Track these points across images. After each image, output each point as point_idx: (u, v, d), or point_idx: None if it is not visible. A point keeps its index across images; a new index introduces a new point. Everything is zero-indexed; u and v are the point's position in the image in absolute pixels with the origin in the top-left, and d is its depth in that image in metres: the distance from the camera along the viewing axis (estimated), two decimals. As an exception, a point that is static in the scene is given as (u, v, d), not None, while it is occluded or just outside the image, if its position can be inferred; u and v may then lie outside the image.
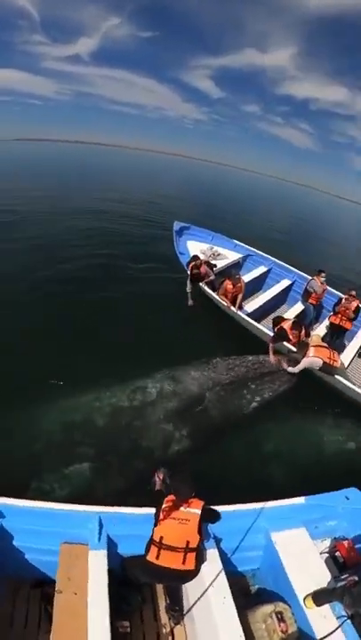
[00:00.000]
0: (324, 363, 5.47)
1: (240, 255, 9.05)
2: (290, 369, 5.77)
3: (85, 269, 9.09)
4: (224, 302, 6.90)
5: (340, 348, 6.61)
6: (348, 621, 2.43)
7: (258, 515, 3.02)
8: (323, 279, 7.08)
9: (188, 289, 7.36)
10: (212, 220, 16.08)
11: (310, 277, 7.41)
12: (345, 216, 53.40)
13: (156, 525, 2.59)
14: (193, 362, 5.94)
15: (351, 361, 6.40)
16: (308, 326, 7.29)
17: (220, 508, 2.91)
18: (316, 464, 4.76)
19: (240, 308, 6.98)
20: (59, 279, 8.36)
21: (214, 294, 7.10)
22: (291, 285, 8.43)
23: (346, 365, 6.08)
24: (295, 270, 8.60)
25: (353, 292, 6.49)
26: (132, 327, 6.91)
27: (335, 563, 3.06)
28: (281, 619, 2.52)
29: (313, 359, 5.50)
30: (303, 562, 2.89)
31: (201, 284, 7.33)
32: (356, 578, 2.60)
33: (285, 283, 8.31)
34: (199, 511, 2.60)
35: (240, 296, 6.96)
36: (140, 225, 14.48)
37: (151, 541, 2.59)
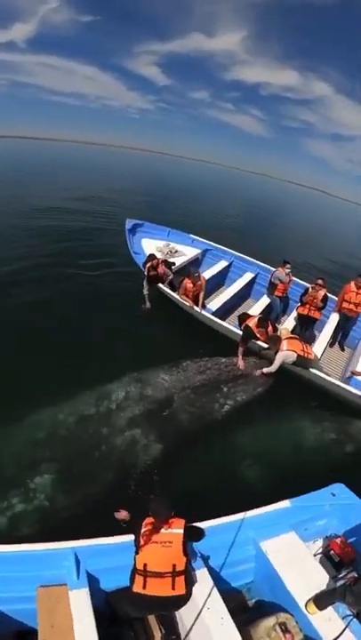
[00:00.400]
0: (299, 356, 5.62)
1: (199, 250, 9.14)
2: (265, 370, 5.88)
3: (35, 270, 8.85)
4: (186, 302, 6.93)
5: (310, 340, 6.85)
6: (355, 620, 2.51)
7: (244, 525, 3.06)
8: (288, 270, 7.30)
9: (146, 291, 7.33)
10: (166, 215, 16.17)
11: (274, 269, 7.62)
12: (301, 202, 55.57)
13: (137, 553, 2.56)
14: (161, 365, 5.96)
15: (323, 351, 6.66)
16: (276, 320, 7.50)
17: (202, 524, 2.94)
18: (298, 463, 4.87)
19: (203, 306, 7.05)
20: (3, 282, 8.09)
21: (175, 294, 7.12)
22: (254, 278, 8.63)
23: (319, 357, 6.31)
24: (257, 262, 8.81)
25: (320, 281, 6.73)
26: (92, 331, 6.81)
27: (331, 562, 3.16)
28: (285, 629, 2.55)
29: (287, 353, 5.62)
30: (298, 567, 2.95)
31: (160, 285, 7.32)
32: (356, 574, 2.70)
33: (248, 276, 8.49)
34: (182, 531, 2.60)
35: (202, 294, 7.02)
36: (88, 222, 14.22)
37: (135, 571, 2.55)
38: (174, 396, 5.47)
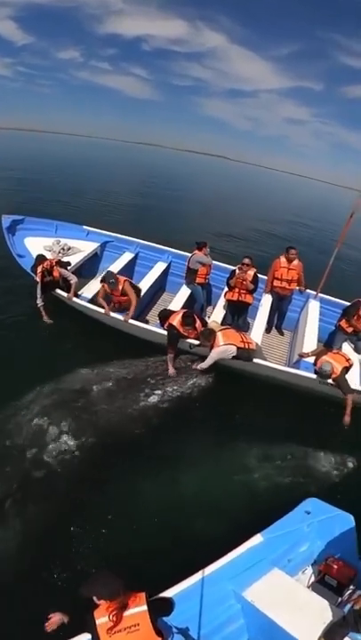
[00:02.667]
0: (239, 348, 5.64)
1: (96, 244, 8.85)
2: (199, 366, 5.89)
3: None
4: (101, 309, 6.61)
5: (245, 328, 6.94)
6: None
7: (218, 578, 2.96)
8: (208, 250, 7.25)
9: (41, 302, 6.81)
10: (48, 206, 15.66)
11: (189, 254, 7.53)
12: (203, 174, 57.26)
13: None
14: (79, 369, 5.95)
15: (261, 339, 6.76)
16: (201, 311, 7.50)
17: (168, 593, 2.77)
18: (259, 483, 4.80)
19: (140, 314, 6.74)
20: None
21: (82, 302, 6.80)
22: (167, 268, 8.59)
23: (259, 344, 6.38)
24: (168, 249, 8.78)
25: (246, 260, 6.70)
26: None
27: (329, 588, 3.16)
28: None
29: (225, 348, 5.61)
30: (294, 606, 2.88)
31: (59, 290, 6.89)
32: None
33: (161, 266, 8.40)
34: (145, 607, 2.37)
35: (133, 298, 6.67)
36: None
37: None
38: (92, 387, 5.58)
